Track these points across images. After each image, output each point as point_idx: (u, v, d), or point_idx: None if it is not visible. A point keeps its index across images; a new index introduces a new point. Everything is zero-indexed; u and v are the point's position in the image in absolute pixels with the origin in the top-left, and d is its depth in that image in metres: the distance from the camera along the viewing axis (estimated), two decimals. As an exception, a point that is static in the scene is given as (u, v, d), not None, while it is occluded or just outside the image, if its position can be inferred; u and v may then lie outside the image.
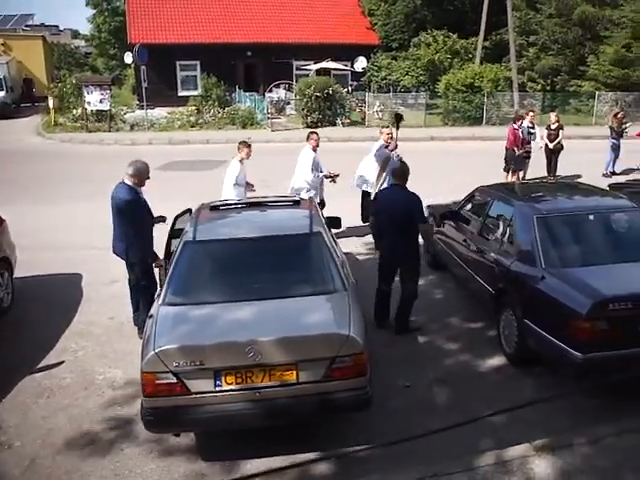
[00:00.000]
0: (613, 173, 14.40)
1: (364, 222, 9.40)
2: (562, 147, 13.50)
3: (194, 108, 25.41)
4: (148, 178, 6.26)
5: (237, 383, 4.14)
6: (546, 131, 13.65)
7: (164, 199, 8.41)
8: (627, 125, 14.87)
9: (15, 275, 7.44)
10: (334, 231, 6.56)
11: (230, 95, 28.00)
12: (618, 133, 14.58)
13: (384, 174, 8.89)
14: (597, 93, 25.56)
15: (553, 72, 28.06)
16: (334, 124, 23.80)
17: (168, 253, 5.94)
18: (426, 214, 6.90)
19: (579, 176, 13.24)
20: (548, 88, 28.18)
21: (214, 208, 6.08)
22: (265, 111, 24.45)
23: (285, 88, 29.02)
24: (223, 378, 4.13)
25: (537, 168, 13.33)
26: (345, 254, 6.17)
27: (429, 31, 30.02)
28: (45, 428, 4.86)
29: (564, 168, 13.71)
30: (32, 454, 4.54)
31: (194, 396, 4.12)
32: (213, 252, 5.18)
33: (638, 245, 5.84)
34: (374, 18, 32.50)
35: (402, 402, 5.12)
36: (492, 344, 6.05)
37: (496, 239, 6.34)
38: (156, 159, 13.57)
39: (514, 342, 5.62)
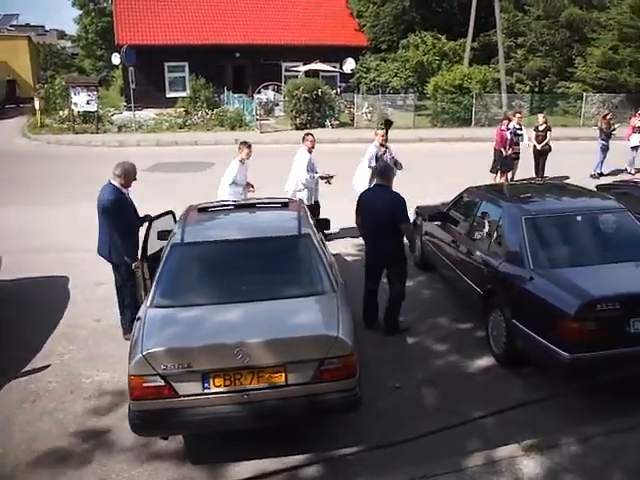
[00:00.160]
0: (601, 174, 14.52)
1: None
2: (550, 148, 13.55)
3: (182, 109, 25.34)
4: (135, 179, 6.27)
5: (225, 385, 4.11)
6: (534, 132, 13.68)
7: (151, 200, 8.32)
8: (616, 126, 15.00)
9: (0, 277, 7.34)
10: (328, 231, 6.53)
11: (219, 96, 27.97)
12: (607, 134, 14.70)
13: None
14: (584, 95, 25.76)
15: (541, 73, 28.29)
16: (323, 125, 23.77)
17: (144, 254, 5.89)
18: (413, 216, 6.88)
19: (567, 177, 13.29)
20: (536, 89, 28.39)
21: (202, 210, 6.04)
22: (254, 113, 24.36)
23: (274, 89, 29.01)
24: (211, 380, 4.10)
25: (525, 170, 13.40)
26: (335, 255, 6.15)
27: (418, 33, 30.06)
28: (30, 432, 4.79)
29: (552, 169, 13.78)
30: (16, 459, 4.47)
31: (182, 399, 4.08)
32: (201, 254, 5.15)
33: (625, 246, 5.87)
34: (363, 20, 32.54)
35: (391, 403, 5.11)
36: (481, 345, 6.06)
37: (485, 240, 6.36)
38: (144, 160, 13.49)
39: (503, 343, 5.63)
